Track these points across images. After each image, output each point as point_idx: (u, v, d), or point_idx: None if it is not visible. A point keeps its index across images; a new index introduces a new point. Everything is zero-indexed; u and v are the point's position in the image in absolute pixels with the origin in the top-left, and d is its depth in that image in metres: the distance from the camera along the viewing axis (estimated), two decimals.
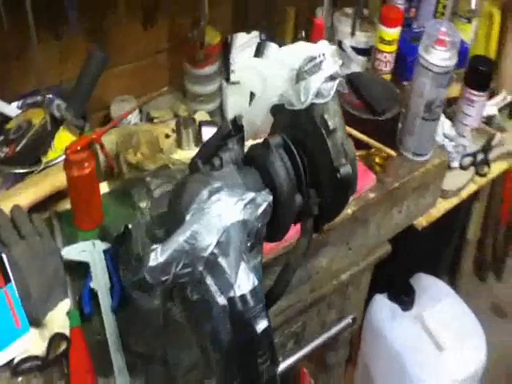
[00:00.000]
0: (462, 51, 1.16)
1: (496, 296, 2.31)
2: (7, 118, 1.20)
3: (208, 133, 1.20)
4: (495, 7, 1.65)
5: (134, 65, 1.33)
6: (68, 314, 0.96)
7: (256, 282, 0.71)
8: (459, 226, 1.99)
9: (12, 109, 1.21)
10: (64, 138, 1.17)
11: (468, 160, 1.50)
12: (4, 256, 0.95)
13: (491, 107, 1.59)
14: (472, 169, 1.52)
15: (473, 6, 1.47)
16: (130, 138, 1.15)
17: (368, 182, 1.19)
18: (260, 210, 0.72)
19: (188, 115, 1.27)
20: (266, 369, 0.73)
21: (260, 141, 0.84)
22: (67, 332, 0.94)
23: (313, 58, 0.78)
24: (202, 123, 1.21)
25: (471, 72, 1.38)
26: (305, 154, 0.84)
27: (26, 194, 1.07)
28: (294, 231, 0.88)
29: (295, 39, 1.38)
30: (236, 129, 0.84)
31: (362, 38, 1.38)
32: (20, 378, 0.90)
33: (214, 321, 0.72)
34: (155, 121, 1.29)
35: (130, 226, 1.00)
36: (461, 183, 1.49)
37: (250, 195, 0.70)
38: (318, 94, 0.79)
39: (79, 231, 1.08)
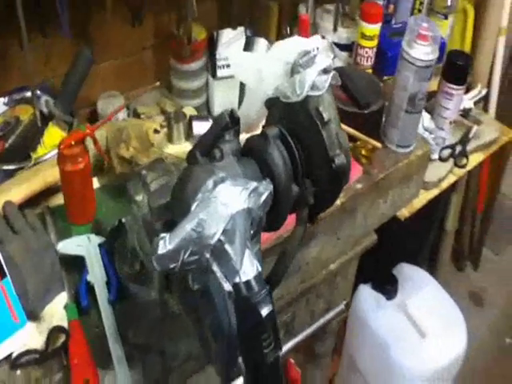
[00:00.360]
0: (440, 46, 1.20)
1: (473, 285, 2.37)
2: None
3: (199, 127, 1.22)
4: (469, 4, 1.71)
5: (120, 61, 1.34)
6: (65, 307, 0.97)
7: (260, 268, 0.74)
8: (438, 217, 2.05)
9: None
10: (53, 134, 1.18)
11: (447, 152, 1.55)
12: None
13: (467, 101, 1.65)
14: (451, 160, 1.57)
15: (449, 3, 1.52)
16: (119, 133, 1.16)
17: (355, 173, 1.23)
18: (262, 199, 0.74)
19: (176, 110, 1.28)
20: (270, 352, 0.76)
21: (256, 133, 0.87)
22: (65, 325, 0.95)
23: (307, 52, 0.81)
24: (192, 117, 1.22)
25: (449, 66, 1.43)
26: (300, 145, 0.87)
27: (18, 190, 1.07)
28: (288, 221, 0.91)
29: (279, 35, 1.41)
30: (233, 121, 0.87)
31: (343, 34, 1.42)
32: (19, 372, 0.91)
33: (216, 310, 0.75)
34: (142, 117, 1.30)
35: (123, 220, 1.02)
36: (441, 174, 1.55)
37: (253, 184, 0.73)
38: (313, 87, 0.82)
39: (73, 226, 1.09)
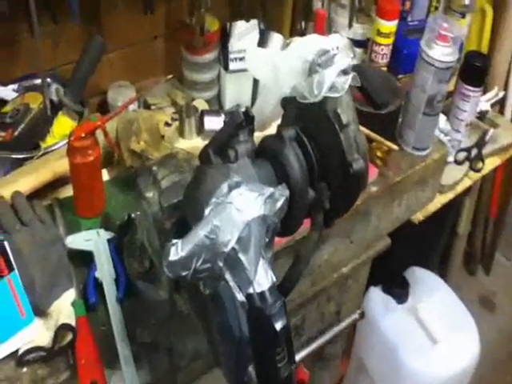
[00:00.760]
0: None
1: (484, 289, 2.35)
2: (3, 101, 1.18)
3: (210, 122, 1.20)
4: (487, 3, 1.67)
5: (130, 50, 1.33)
6: (73, 303, 0.96)
7: (274, 279, 0.71)
8: (450, 220, 2.02)
9: (8, 92, 1.19)
10: (63, 124, 1.17)
11: (462, 155, 1.52)
12: (6, 243, 0.94)
13: (484, 103, 1.61)
14: (466, 164, 1.54)
15: (467, 2, 1.48)
16: (130, 124, 1.14)
17: (370, 175, 1.19)
18: (278, 205, 0.72)
19: (187, 103, 1.26)
20: (284, 366, 0.74)
21: (271, 133, 0.84)
22: (73, 322, 0.93)
23: (326, 52, 0.79)
24: (204, 112, 1.20)
25: (466, 67, 1.40)
26: (317, 148, 0.85)
27: (27, 181, 1.06)
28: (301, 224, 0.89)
29: (293, 29, 1.39)
30: (247, 119, 0.84)
31: (358, 30, 1.40)
32: (25, 369, 0.90)
33: (226, 314, 0.73)
34: (153, 108, 1.29)
35: (133, 215, 1.00)
36: (456, 178, 1.52)
37: (269, 190, 0.71)
38: (331, 88, 0.80)
39: (81, 219, 1.07)
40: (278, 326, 0.71)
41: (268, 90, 0.87)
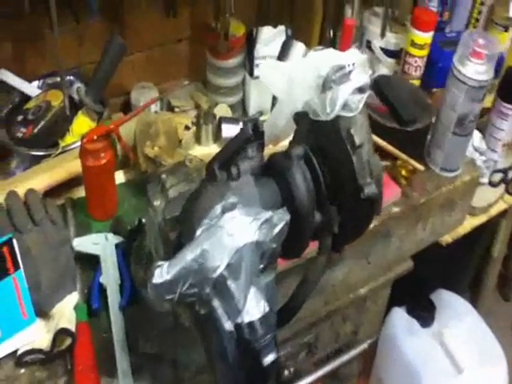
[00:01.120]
0: (498, 61, 1.11)
1: None
2: (27, 98, 1.19)
3: (228, 130, 1.19)
4: None
5: (154, 52, 1.32)
6: (75, 307, 0.95)
7: (267, 309, 0.68)
8: (484, 243, 1.95)
9: (32, 88, 1.20)
10: (82, 123, 1.17)
11: (498, 176, 1.46)
12: (15, 242, 0.93)
13: None
14: (502, 186, 1.47)
15: (510, 14, 1.42)
16: (148, 127, 1.14)
17: (392, 194, 1.16)
18: (276, 231, 0.69)
19: (209, 107, 1.26)
20: None
21: (281, 149, 0.81)
22: (73, 326, 0.92)
23: (342, 67, 0.76)
24: (222, 120, 1.18)
25: (506, 84, 1.33)
26: (327, 168, 0.81)
27: (42, 178, 1.07)
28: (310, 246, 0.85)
29: (322, 38, 1.35)
30: (256, 134, 0.81)
31: (392, 40, 1.35)
32: (23, 370, 0.90)
33: (221, 336, 0.70)
34: (176, 110, 1.28)
35: (143, 220, 0.99)
36: (490, 200, 1.45)
37: (266, 214, 0.68)
38: (345, 106, 0.77)
39: (92, 221, 1.07)
40: (267, 360, 0.68)
41: (281, 103, 0.84)
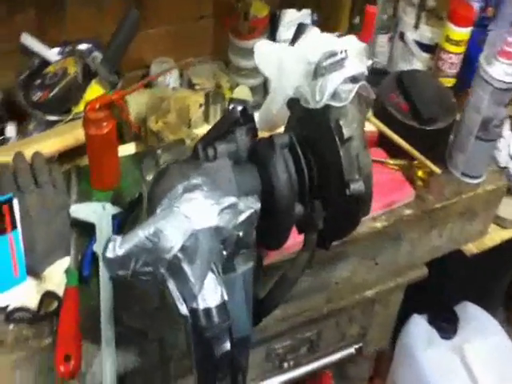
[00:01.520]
0: None
1: None
2: (47, 63, 1.22)
3: None
4: None
5: (175, 27, 1.32)
6: (66, 271, 0.96)
7: (225, 298, 0.67)
8: None
9: (52, 54, 1.23)
10: (95, 92, 1.17)
11: None
12: (16, 202, 0.97)
13: None
14: None
15: None
16: (160, 101, 1.14)
17: (404, 196, 1.12)
18: (241, 218, 0.67)
19: (230, 87, 1.26)
20: None
21: (265, 137, 0.79)
22: (61, 290, 0.94)
23: (333, 54, 0.72)
24: (231, 101, 1.17)
25: None
26: (314, 160, 0.79)
27: (51, 143, 1.09)
28: (299, 241, 0.83)
29: (350, 24, 1.31)
30: (245, 118, 0.79)
31: (426, 33, 1.28)
32: (12, 326, 0.92)
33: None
34: (196, 88, 1.28)
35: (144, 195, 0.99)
36: None
37: (230, 200, 0.66)
38: (334, 96, 0.73)
39: (94, 190, 1.08)
40: (219, 351, 0.67)
41: (274, 88, 0.82)
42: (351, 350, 1.30)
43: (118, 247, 0.63)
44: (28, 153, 1.05)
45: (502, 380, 1.60)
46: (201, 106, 1.19)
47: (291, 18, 1.24)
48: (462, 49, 1.23)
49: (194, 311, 0.65)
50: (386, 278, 1.26)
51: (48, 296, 0.94)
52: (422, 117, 1.08)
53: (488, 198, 1.19)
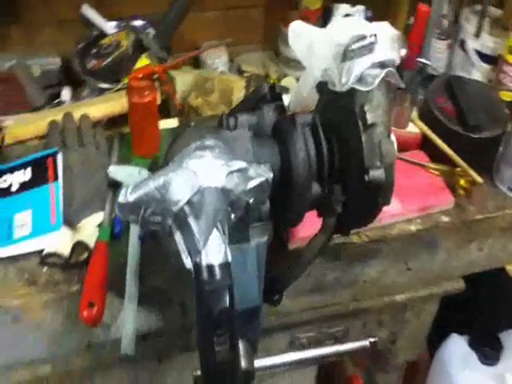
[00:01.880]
0: None
1: None
2: (103, 35, 1.31)
3: None
4: None
5: (229, 13, 1.36)
6: (99, 226, 1.01)
7: (228, 258, 0.69)
8: None
9: (110, 27, 1.31)
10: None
11: None
12: (60, 157, 1.06)
13: None
14: None
15: None
16: (205, 81, 1.18)
17: (442, 202, 1.09)
18: (251, 184, 0.68)
19: (277, 77, 1.28)
20: (223, 351, 0.71)
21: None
22: (93, 243, 0.98)
23: (362, 38, 0.73)
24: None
25: None
26: (337, 144, 0.79)
27: (98, 108, 1.18)
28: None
29: (406, 25, 1.29)
30: (273, 95, 0.81)
31: (489, 43, 1.24)
32: (45, 269, 0.97)
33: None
34: (245, 75, 1.31)
35: None
36: None
37: (240, 164, 0.67)
38: (360, 80, 0.74)
39: (133, 156, 1.13)
40: (217, 307, 0.68)
41: (305, 70, 0.83)
42: (366, 342, 1.27)
43: (129, 193, 0.67)
44: (77, 115, 1.14)
45: None
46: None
47: (344, 12, 1.23)
48: None
49: (197, 265, 0.67)
50: (417, 284, 1.23)
51: (80, 246, 0.98)
52: (468, 123, 1.06)
53: None
